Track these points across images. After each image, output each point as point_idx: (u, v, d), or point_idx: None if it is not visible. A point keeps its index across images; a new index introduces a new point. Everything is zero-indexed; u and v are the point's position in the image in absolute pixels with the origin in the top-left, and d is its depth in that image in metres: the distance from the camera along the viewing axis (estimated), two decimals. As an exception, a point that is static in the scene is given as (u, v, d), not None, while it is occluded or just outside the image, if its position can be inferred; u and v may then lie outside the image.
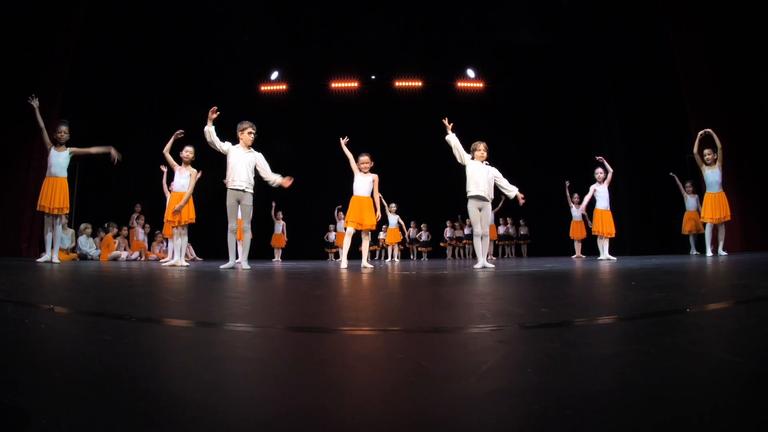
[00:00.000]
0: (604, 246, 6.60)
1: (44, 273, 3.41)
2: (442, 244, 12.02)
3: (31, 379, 0.71)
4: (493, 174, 4.79)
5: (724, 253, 6.03)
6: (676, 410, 0.57)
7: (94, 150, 5.13)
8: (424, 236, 11.59)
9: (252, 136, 4.74)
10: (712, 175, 6.10)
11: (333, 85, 12.02)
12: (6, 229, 6.59)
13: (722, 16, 7.06)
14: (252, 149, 4.79)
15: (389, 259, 9.71)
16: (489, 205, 4.75)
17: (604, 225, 6.60)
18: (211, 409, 0.60)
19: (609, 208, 6.65)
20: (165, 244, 8.39)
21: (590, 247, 11.07)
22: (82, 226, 7.96)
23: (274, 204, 9.92)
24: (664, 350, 0.87)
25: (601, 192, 6.67)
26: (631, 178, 9.50)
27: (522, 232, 11.65)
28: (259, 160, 4.81)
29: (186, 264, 5.48)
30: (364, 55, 11.57)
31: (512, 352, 0.92)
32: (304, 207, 11.61)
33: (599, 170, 6.70)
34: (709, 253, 6.10)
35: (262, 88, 11.94)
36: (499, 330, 1.14)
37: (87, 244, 7.90)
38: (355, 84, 12.03)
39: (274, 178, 4.81)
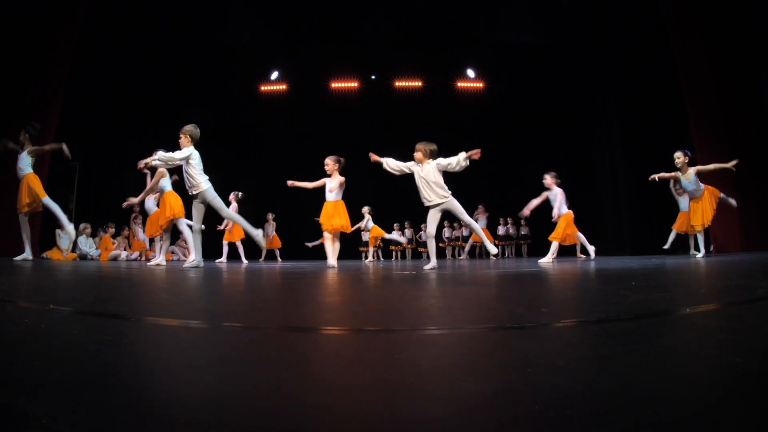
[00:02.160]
0: (552, 249, 6.26)
1: (44, 273, 3.41)
2: (441, 245, 12.02)
3: (31, 379, 0.71)
4: (435, 169, 4.47)
5: (699, 254, 5.95)
6: (676, 410, 0.57)
7: (47, 147, 5.38)
8: (423, 236, 11.58)
9: (180, 139, 4.67)
10: (689, 184, 5.82)
11: (333, 85, 12.02)
12: (6, 229, 6.58)
13: (722, 16, 7.06)
14: (186, 149, 4.64)
15: (371, 259, 9.68)
16: (450, 205, 4.53)
17: (563, 228, 6.25)
18: (210, 408, 0.60)
19: (566, 212, 6.30)
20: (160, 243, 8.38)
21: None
22: (82, 226, 7.96)
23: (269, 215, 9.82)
24: (664, 350, 0.87)
25: (553, 197, 6.33)
26: (630, 179, 9.49)
27: (522, 233, 11.65)
28: (180, 153, 4.63)
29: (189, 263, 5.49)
30: (364, 55, 11.57)
31: (512, 352, 0.92)
32: (304, 207, 11.61)
33: (548, 175, 6.35)
34: (694, 252, 5.98)
35: (262, 88, 11.94)
36: (499, 330, 1.14)
37: (87, 244, 7.90)
38: (355, 84, 12.03)
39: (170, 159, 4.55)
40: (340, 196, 5.24)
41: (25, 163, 5.27)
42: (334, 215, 5.16)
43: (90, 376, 0.74)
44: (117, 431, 0.53)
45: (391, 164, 4.65)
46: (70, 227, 5.26)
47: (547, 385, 0.68)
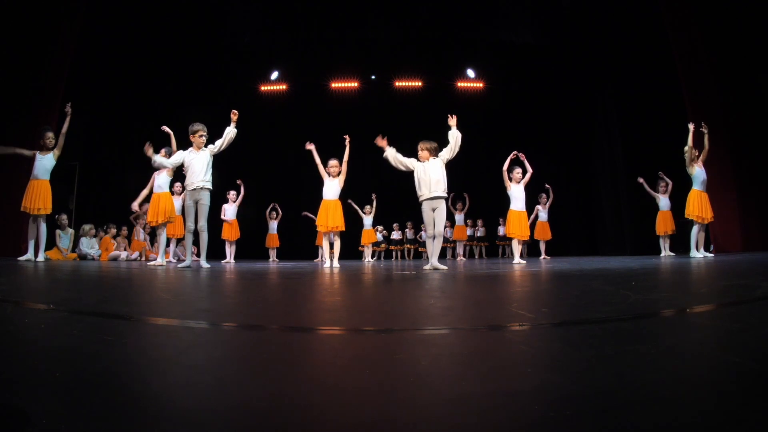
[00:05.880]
0: (516, 250, 6.19)
1: (44, 273, 3.41)
2: (443, 245, 12.02)
3: (31, 379, 0.71)
4: (441, 164, 4.55)
5: (711, 254, 5.88)
6: (676, 410, 0.57)
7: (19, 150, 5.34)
8: (424, 236, 11.58)
9: (203, 138, 4.82)
10: (703, 173, 5.89)
11: (333, 85, 12.01)
12: (6, 229, 6.58)
13: (722, 15, 7.06)
14: (204, 148, 4.85)
15: (367, 259, 9.64)
16: (444, 204, 4.51)
17: (522, 228, 6.16)
18: (210, 409, 0.60)
19: (525, 209, 6.22)
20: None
21: (584, 248, 11.08)
22: (87, 227, 7.97)
23: (273, 205, 9.85)
24: (664, 350, 0.87)
25: (516, 193, 6.20)
26: (630, 178, 9.49)
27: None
28: (212, 148, 4.85)
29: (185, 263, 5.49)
30: (364, 55, 11.56)
31: (512, 352, 0.92)
32: (304, 207, 11.62)
33: (518, 169, 6.21)
34: (696, 253, 5.76)
35: (262, 88, 11.94)
36: (499, 330, 1.14)
37: (89, 245, 7.90)
38: (355, 84, 12.02)
39: (231, 131, 4.83)
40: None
41: (49, 167, 5.26)
42: (330, 214, 5.57)
43: (90, 376, 0.74)
44: (117, 431, 0.53)
45: (393, 155, 4.69)
46: (26, 257, 5.22)
47: (547, 385, 0.68)
